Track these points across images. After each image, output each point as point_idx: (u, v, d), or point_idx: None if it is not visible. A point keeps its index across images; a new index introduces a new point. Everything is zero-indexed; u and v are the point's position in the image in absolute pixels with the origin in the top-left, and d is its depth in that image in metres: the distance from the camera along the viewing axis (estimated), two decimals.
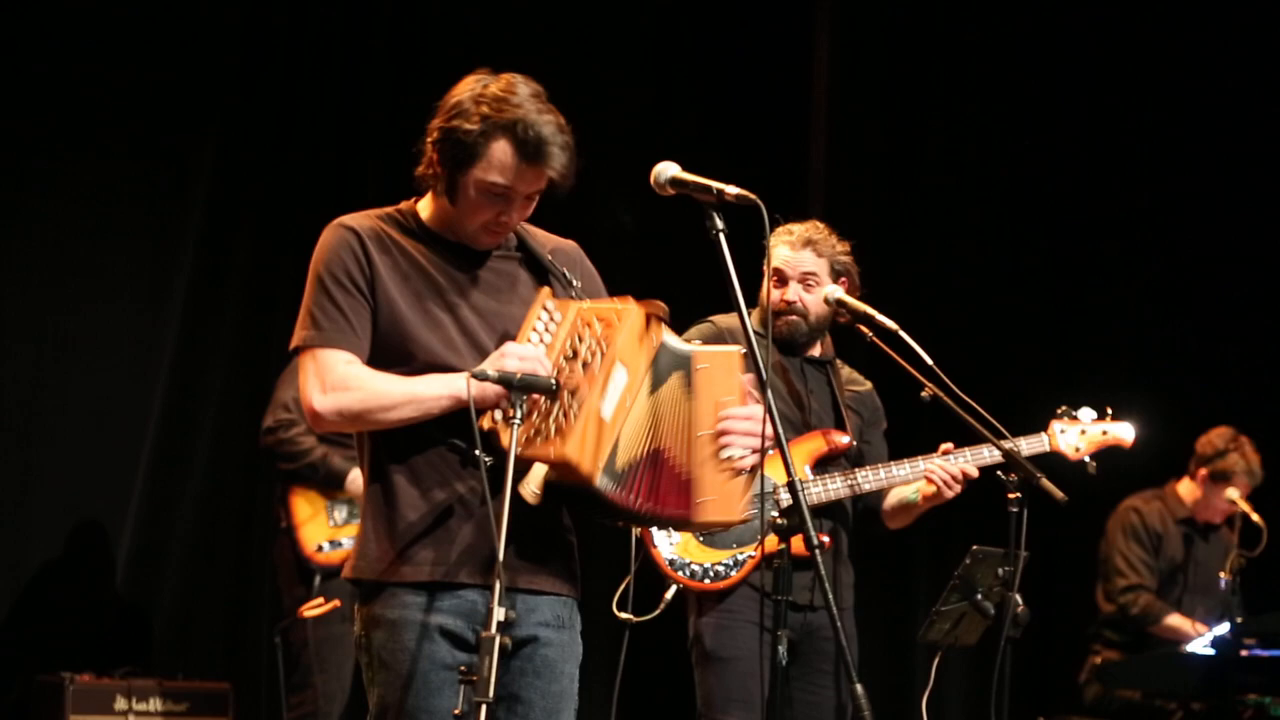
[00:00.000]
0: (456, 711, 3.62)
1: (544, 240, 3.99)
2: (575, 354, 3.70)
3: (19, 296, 7.43)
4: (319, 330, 3.77)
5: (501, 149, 3.71)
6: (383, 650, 3.75)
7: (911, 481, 5.42)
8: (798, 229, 5.48)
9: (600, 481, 3.64)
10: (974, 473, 5.35)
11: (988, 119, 9.28)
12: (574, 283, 3.90)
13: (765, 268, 5.33)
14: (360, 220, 3.87)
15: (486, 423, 3.65)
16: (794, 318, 5.43)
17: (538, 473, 3.66)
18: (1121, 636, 8.15)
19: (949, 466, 5.33)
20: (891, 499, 5.55)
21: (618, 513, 3.75)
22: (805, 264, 5.44)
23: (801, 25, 9.02)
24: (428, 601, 3.73)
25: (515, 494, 3.56)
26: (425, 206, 3.89)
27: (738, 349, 3.84)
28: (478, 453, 3.61)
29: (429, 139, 3.80)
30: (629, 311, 3.73)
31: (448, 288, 3.83)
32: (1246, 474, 8.08)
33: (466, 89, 3.76)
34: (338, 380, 3.74)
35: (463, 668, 3.64)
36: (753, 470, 3.80)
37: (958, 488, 5.34)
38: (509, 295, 3.87)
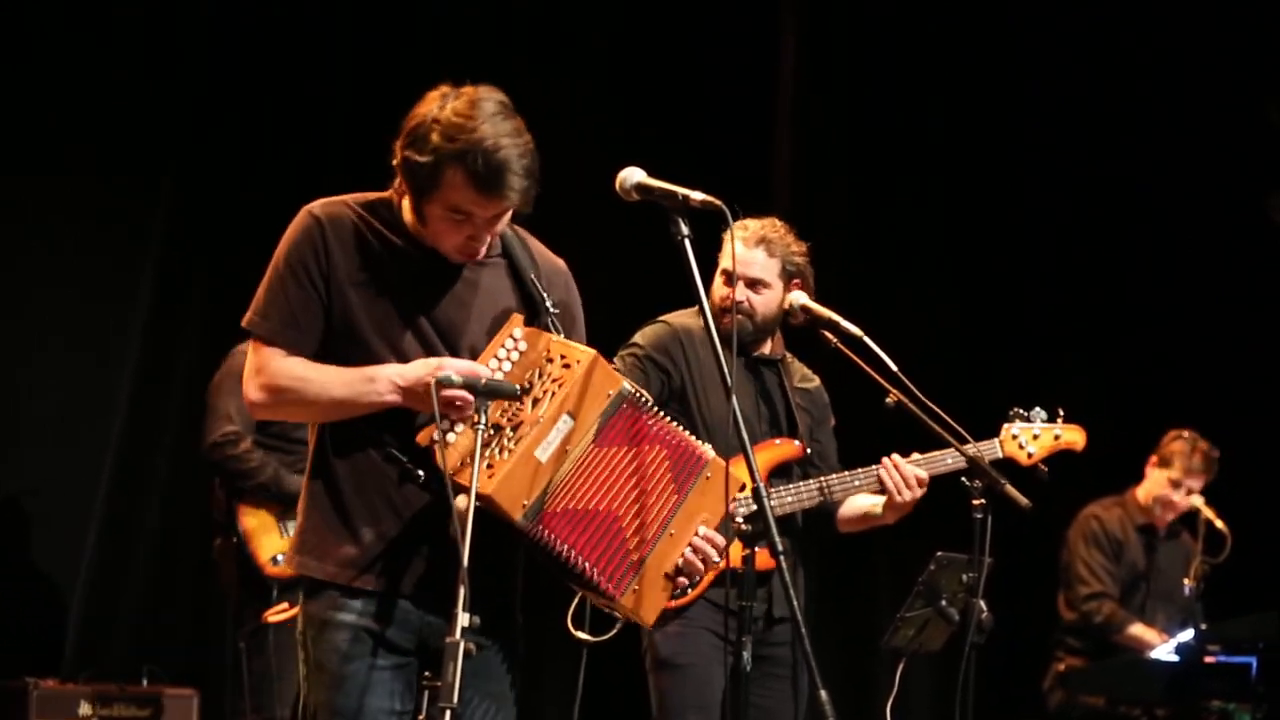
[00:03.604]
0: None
1: (537, 255, 3.95)
2: (530, 386, 3.69)
3: None
4: (265, 320, 3.78)
5: (455, 179, 3.64)
6: (316, 650, 3.77)
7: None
8: (753, 226, 5.39)
9: (522, 521, 3.63)
10: (924, 476, 5.30)
11: (955, 122, 9.29)
12: (551, 310, 3.85)
13: (719, 264, 5.36)
14: (332, 209, 3.82)
15: (424, 439, 3.65)
16: (739, 317, 5.32)
17: (459, 502, 3.62)
18: (1085, 643, 8.17)
19: (904, 469, 5.28)
20: (850, 507, 5.50)
21: (541, 552, 3.72)
22: (755, 264, 5.34)
23: (767, 30, 9.01)
24: (362, 605, 3.74)
25: (452, 506, 3.55)
26: (407, 207, 3.82)
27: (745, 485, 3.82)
28: (405, 459, 3.69)
29: (393, 160, 3.75)
30: (588, 357, 3.72)
31: (411, 293, 3.79)
32: (1184, 456, 8.08)
33: (425, 109, 3.69)
34: (269, 378, 3.75)
35: (427, 674, 3.68)
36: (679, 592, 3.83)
37: (908, 493, 5.25)
38: (475, 309, 3.83)
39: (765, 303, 5.38)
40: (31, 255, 7.56)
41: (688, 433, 3.84)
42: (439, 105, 3.68)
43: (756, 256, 5.36)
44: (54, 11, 7.56)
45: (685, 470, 3.79)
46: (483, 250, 3.79)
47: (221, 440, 6.56)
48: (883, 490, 5.31)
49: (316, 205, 3.83)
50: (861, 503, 5.47)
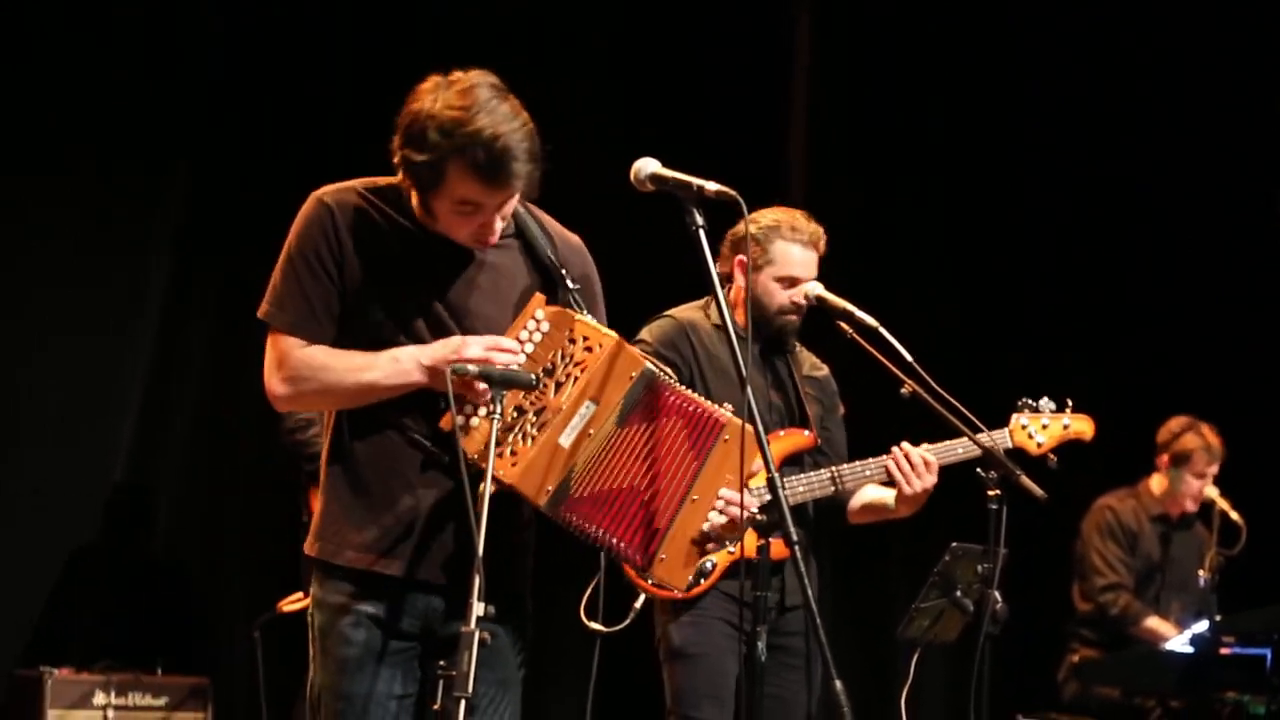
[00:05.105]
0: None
1: (553, 232, 3.92)
2: (553, 368, 3.67)
3: None
4: (281, 310, 3.76)
5: (459, 174, 3.60)
6: (322, 633, 3.78)
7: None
8: (802, 224, 5.38)
9: (547, 506, 3.65)
10: (932, 459, 5.29)
11: (955, 122, 9.29)
12: (572, 286, 3.83)
13: (746, 258, 5.33)
14: (341, 195, 3.79)
15: (447, 425, 3.63)
16: (794, 317, 5.38)
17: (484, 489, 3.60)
18: (1099, 634, 8.16)
19: (912, 455, 5.26)
20: (859, 498, 5.50)
21: (570, 533, 3.74)
22: (813, 265, 5.37)
23: (781, 22, 9.00)
24: (370, 591, 3.74)
25: (473, 494, 3.52)
26: (415, 201, 3.79)
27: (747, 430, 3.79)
28: (428, 443, 3.69)
29: (394, 159, 3.71)
30: (611, 342, 3.70)
31: (423, 278, 3.77)
32: (1204, 450, 8.09)
33: (419, 105, 3.63)
34: (292, 370, 3.74)
35: (442, 663, 3.66)
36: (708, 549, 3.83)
37: (917, 482, 5.25)
38: (489, 291, 3.80)
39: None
40: (32, 255, 7.56)
41: (704, 399, 3.82)
42: (431, 99, 3.62)
43: (813, 257, 5.39)
44: (54, 11, 7.56)
45: (703, 436, 3.78)
46: (496, 236, 3.77)
47: (293, 425, 6.62)
48: (891, 482, 5.30)
49: (325, 192, 3.80)
50: (870, 494, 5.48)
